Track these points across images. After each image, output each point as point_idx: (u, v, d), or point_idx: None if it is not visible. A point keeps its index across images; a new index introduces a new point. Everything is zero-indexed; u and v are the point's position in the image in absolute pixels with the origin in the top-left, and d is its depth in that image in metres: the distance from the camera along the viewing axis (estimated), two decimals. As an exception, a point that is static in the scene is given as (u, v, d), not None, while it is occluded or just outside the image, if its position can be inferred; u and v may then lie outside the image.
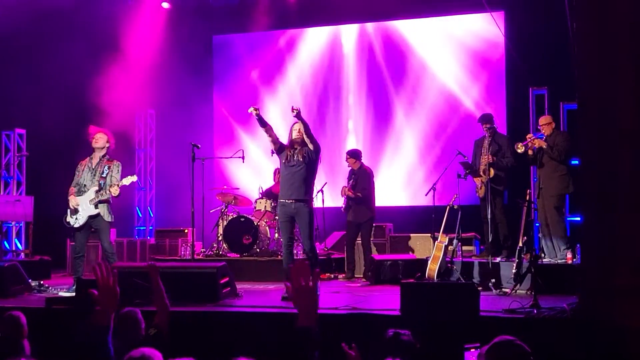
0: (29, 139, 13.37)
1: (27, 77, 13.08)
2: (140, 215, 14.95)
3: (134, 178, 9.22)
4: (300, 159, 8.29)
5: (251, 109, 8.23)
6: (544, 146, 9.49)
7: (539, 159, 9.64)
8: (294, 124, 8.48)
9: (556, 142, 9.50)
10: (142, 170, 14.88)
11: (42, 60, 13.21)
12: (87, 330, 3.42)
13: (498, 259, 9.48)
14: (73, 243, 9.41)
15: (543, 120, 9.84)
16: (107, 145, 9.27)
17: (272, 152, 8.82)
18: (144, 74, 13.47)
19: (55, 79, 13.17)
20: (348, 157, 11.23)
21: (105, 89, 12.64)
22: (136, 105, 14.18)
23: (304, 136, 8.30)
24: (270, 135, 8.44)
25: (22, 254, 12.77)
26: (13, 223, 13.20)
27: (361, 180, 10.95)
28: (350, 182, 10.98)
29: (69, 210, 9.15)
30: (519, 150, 9.62)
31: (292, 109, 8.23)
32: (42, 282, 9.57)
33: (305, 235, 8.37)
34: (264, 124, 8.39)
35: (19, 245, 13.25)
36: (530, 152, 9.66)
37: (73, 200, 9.11)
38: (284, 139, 8.54)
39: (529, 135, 9.78)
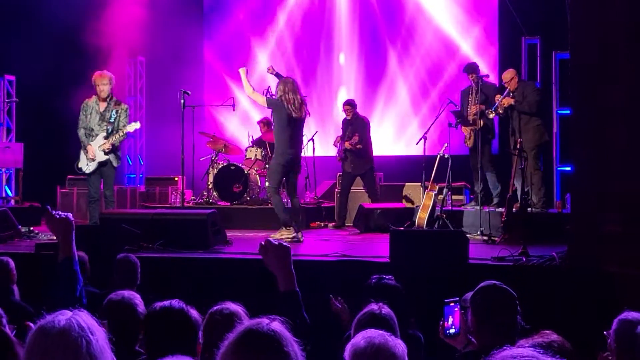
0: (18, 86, 13.23)
1: (17, 23, 12.87)
2: (131, 163, 14.89)
3: (137, 125, 9.10)
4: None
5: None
6: (513, 102, 9.47)
7: (510, 115, 9.63)
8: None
9: (525, 94, 9.49)
10: (132, 117, 14.73)
11: (31, 7, 12.99)
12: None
13: (487, 208, 9.50)
14: (87, 189, 9.20)
15: (507, 75, 9.76)
16: (111, 87, 9.01)
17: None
18: (134, 21, 13.28)
19: (45, 26, 12.95)
20: (347, 106, 11.12)
21: (95, 35, 12.48)
22: (126, 52, 14.01)
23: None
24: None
25: (12, 201, 12.73)
26: (3, 170, 13.10)
27: (359, 130, 10.90)
28: (347, 133, 10.91)
29: (81, 157, 9.00)
30: (490, 116, 9.60)
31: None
32: (31, 228, 9.57)
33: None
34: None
35: (8, 192, 13.20)
36: (501, 111, 9.61)
37: (90, 152, 8.85)
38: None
39: (497, 97, 9.68)
